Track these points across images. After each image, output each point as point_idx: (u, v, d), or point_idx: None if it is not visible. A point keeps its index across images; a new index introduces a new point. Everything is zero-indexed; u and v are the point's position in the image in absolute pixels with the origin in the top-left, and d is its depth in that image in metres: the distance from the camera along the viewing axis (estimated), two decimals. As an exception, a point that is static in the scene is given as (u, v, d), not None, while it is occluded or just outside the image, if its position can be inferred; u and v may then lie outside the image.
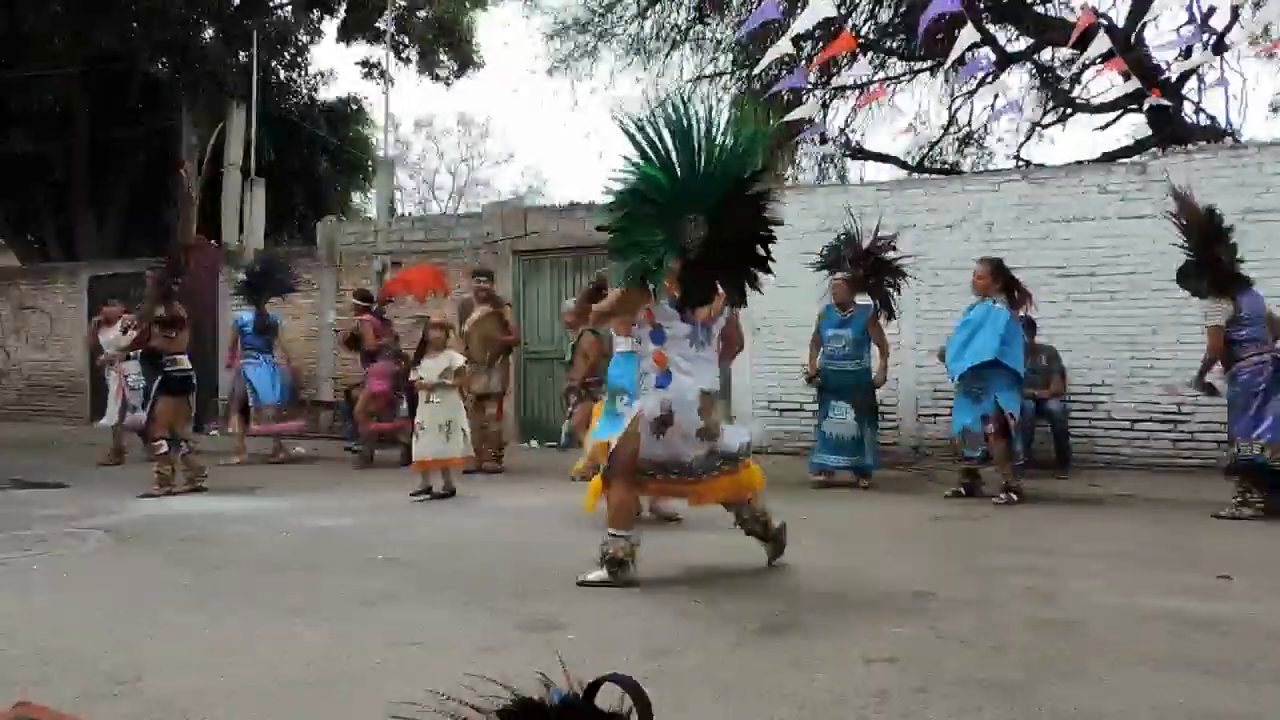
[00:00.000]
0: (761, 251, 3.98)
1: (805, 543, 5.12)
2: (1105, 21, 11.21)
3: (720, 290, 4.07)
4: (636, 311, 4.18)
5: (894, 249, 7.63)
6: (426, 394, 6.79)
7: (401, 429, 8.74)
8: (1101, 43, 8.31)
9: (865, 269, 7.50)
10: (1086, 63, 11.09)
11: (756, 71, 11.52)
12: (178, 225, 12.42)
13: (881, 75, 14.66)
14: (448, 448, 6.72)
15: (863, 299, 7.48)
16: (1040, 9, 12.68)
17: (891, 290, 7.56)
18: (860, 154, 16.17)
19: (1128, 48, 10.35)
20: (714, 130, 3.88)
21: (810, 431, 8.10)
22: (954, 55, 8.38)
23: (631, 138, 3.93)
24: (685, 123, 3.86)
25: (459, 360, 6.97)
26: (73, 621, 3.52)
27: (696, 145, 3.87)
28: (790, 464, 8.01)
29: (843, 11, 13.56)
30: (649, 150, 3.92)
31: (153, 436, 7.10)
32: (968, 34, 8.27)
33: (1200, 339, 6.48)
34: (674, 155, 3.89)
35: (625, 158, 3.98)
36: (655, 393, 4.05)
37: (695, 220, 3.89)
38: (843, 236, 7.75)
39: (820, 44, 11.58)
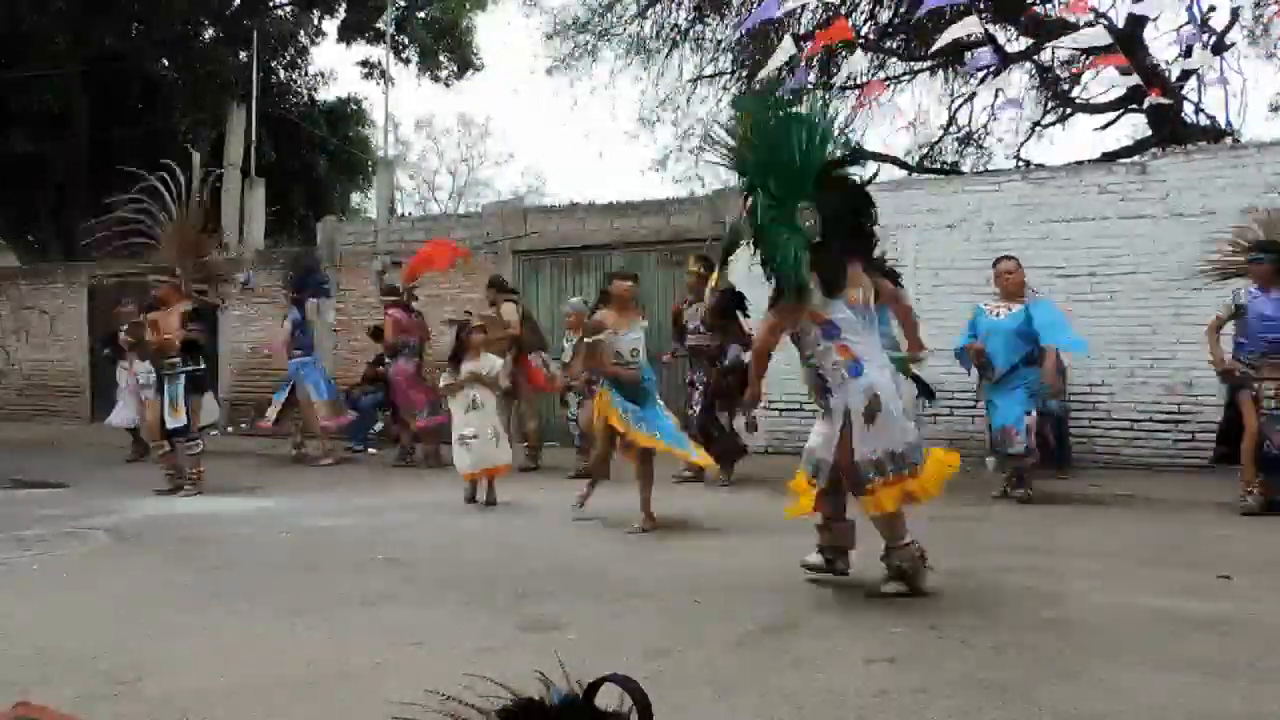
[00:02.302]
0: (866, 223, 4.11)
1: (805, 542, 5.13)
2: (1105, 21, 11.23)
3: (852, 269, 4.03)
4: (800, 319, 4.07)
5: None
6: (469, 399, 6.50)
7: (440, 425, 8.43)
8: (1097, 35, 8.31)
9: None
10: (1080, 51, 11.07)
11: (762, 75, 11.50)
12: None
13: (881, 75, 14.66)
14: (498, 454, 6.52)
15: None
16: (1040, 9, 12.67)
17: None
18: (860, 154, 16.17)
19: (1127, 47, 10.36)
20: (795, 119, 3.98)
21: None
22: (944, 40, 8.35)
23: (736, 151, 4.06)
24: (772, 121, 3.97)
25: (498, 364, 6.80)
26: (73, 621, 3.52)
27: (788, 139, 3.93)
28: (791, 464, 7.99)
29: (844, 10, 13.58)
30: (754, 157, 4.00)
31: (193, 432, 7.16)
32: (968, 24, 8.28)
33: (1198, 337, 6.57)
34: (773, 154, 3.96)
35: (741, 171, 4.10)
36: (853, 383, 3.92)
37: (807, 207, 3.92)
38: None
39: (821, 44, 11.56)
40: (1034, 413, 6.50)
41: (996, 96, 12.66)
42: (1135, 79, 9.14)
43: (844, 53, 10.75)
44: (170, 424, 7.03)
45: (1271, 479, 5.87)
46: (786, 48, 8.81)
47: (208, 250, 7.80)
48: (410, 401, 8.85)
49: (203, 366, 7.28)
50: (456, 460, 6.53)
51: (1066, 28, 8.89)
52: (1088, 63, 10.88)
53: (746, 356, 6.01)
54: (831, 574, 4.19)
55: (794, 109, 4.18)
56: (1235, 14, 11.24)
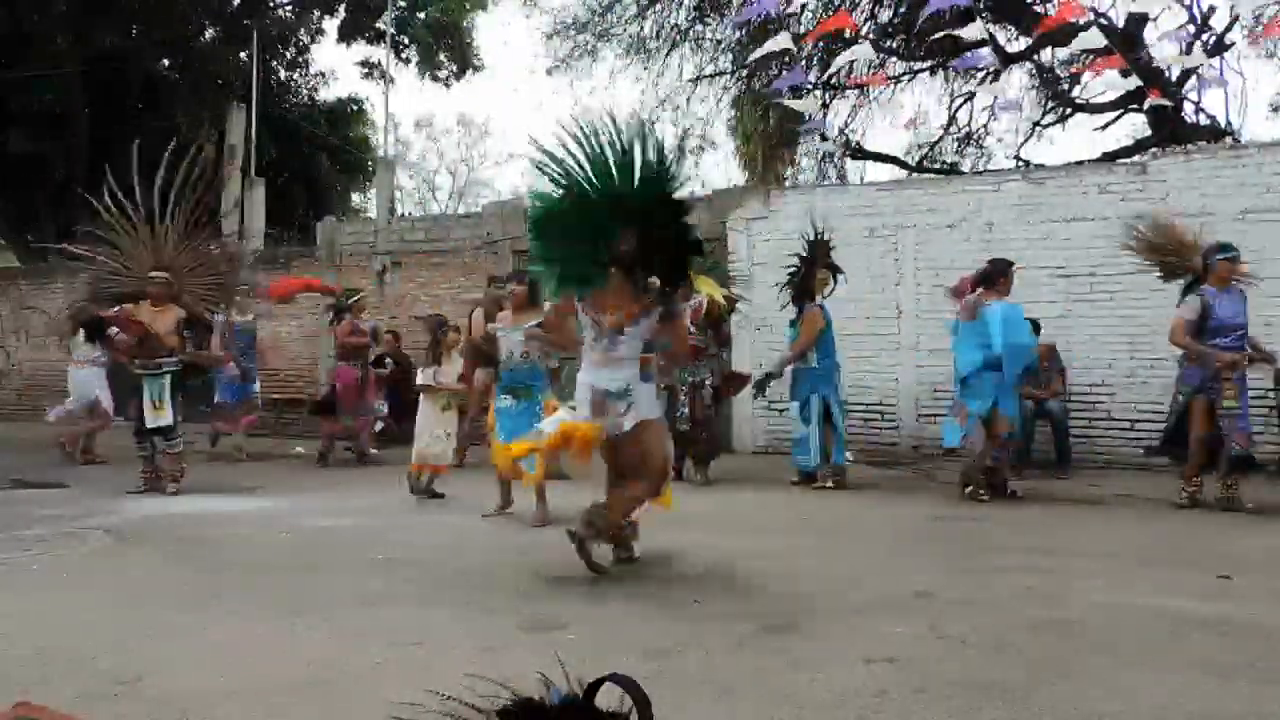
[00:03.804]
0: (688, 247, 4.39)
1: (805, 542, 5.13)
2: (1105, 20, 11.23)
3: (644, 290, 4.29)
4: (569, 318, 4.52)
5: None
6: (444, 399, 6.78)
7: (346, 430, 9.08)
8: (1093, 37, 8.31)
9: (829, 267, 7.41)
10: (1076, 55, 11.08)
11: (753, 59, 11.49)
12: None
13: (881, 73, 14.66)
14: (447, 452, 6.87)
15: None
16: (1040, 9, 12.68)
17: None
18: (860, 154, 16.18)
19: (1128, 46, 10.36)
20: (629, 148, 4.12)
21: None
22: (964, 34, 8.35)
23: (547, 166, 4.20)
24: (598, 147, 4.12)
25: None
26: (73, 621, 3.52)
27: (614, 166, 4.13)
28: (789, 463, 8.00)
29: (843, 10, 13.58)
30: (565, 176, 4.20)
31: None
32: (971, 30, 8.29)
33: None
34: (593, 177, 4.16)
35: (538, 189, 4.34)
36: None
37: (626, 230, 4.17)
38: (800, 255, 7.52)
39: (820, 44, 11.58)
40: (978, 415, 6.50)
41: (996, 98, 12.66)
42: (1136, 79, 9.14)
43: (843, 50, 10.74)
44: (151, 422, 6.96)
45: (1238, 476, 6.07)
46: (783, 40, 8.80)
47: (208, 255, 7.62)
48: (353, 404, 9.00)
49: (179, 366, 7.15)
50: (427, 452, 6.70)
51: (1066, 31, 8.88)
52: (1089, 62, 10.87)
53: None
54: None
55: (638, 134, 4.25)
56: (1235, 18, 11.24)
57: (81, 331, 8.06)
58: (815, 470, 7.22)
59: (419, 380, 7.05)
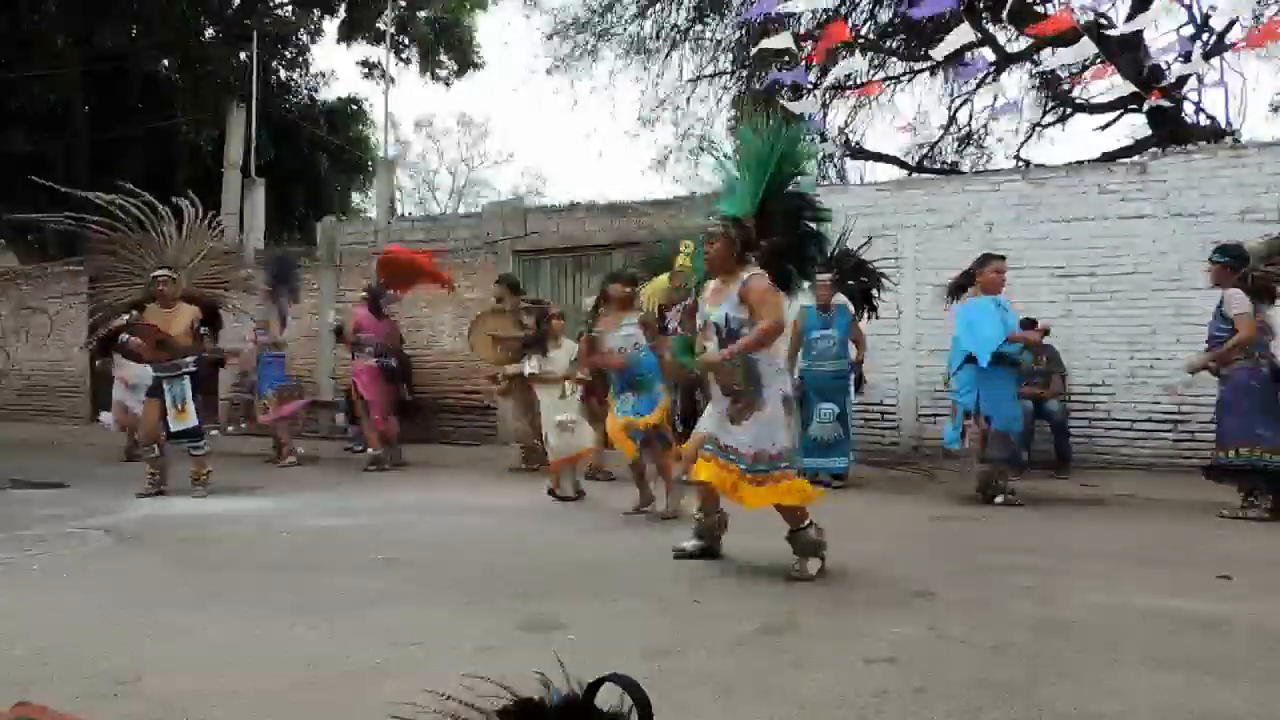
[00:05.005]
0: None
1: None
2: (1105, 21, 11.22)
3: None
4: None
5: (864, 256, 7.71)
6: (562, 387, 6.77)
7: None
8: (1086, 47, 8.30)
9: (843, 271, 7.53)
10: (1072, 64, 11.08)
11: (752, 54, 11.50)
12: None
13: (881, 75, 14.66)
14: (577, 440, 6.63)
15: (837, 299, 7.48)
16: (1040, 9, 12.67)
17: (873, 290, 7.66)
18: (860, 154, 16.19)
19: (1126, 48, 10.36)
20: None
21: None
22: (943, 50, 8.35)
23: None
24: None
25: (574, 349, 7.00)
26: (73, 621, 3.52)
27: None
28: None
29: (843, 10, 13.57)
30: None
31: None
32: (962, 33, 8.28)
33: (1198, 337, 6.55)
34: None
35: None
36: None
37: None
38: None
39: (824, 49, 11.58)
40: (972, 414, 6.50)
41: (995, 99, 12.65)
42: (1136, 81, 9.13)
43: (844, 53, 10.74)
44: (175, 426, 6.86)
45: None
46: (784, 39, 8.80)
47: (207, 248, 7.43)
48: (372, 400, 8.85)
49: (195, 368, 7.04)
50: (557, 445, 6.57)
51: (1066, 34, 8.87)
52: (1088, 62, 10.87)
53: None
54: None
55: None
56: (1233, 22, 11.25)
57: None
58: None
59: (526, 370, 7.02)
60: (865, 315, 7.68)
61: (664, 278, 5.96)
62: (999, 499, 6.40)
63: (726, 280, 4.28)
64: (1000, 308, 6.51)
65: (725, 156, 4.45)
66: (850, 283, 7.58)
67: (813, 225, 4.43)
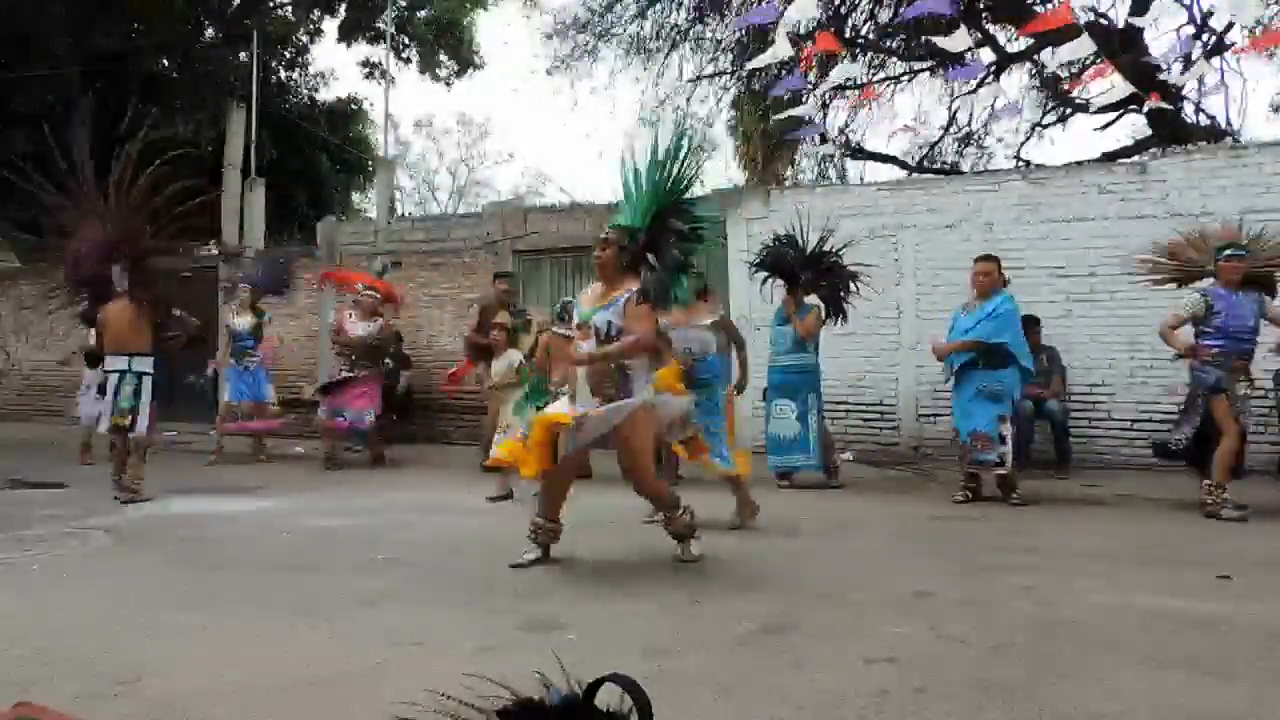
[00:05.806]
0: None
1: (804, 542, 5.14)
2: (1105, 21, 11.23)
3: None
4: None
5: (840, 257, 7.43)
6: (501, 395, 7.08)
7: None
8: (1086, 44, 8.28)
9: (816, 274, 7.29)
10: (1072, 62, 11.08)
11: (752, 67, 11.50)
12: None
13: (881, 75, 14.66)
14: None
15: (810, 299, 7.22)
16: (1039, 8, 12.68)
17: (843, 295, 7.38)
18: (860, 154, 16.20)
19: (1128, 47, 10.36)
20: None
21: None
22: (946, 45, 8.34)
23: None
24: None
25: (518, 358, 7.31)
26: (73, 621, 3.52)
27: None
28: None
29: (842, 11, 13.58)
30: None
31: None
32: (958, 39, 8.29)
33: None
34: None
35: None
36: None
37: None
38: (782, 239, 7.41)
39: (812, 55, 11.58)
40: (1008, 419, 6.43)
41: (995, 100, 12.66)
42: (1136, 82, 9.13)
43: (844, 55, 10.75)
44: (106, 426, 6.88)
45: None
46: (782, 47, 8.80)
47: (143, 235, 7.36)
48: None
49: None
50: (497, 449, 6.59)
51: (1062, 33, 8.88)
52: (1088, 61, 10.86)
53: None
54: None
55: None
56: (1231, 24, 11.24)
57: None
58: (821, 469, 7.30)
59: (487, 383, 7.57)
60: (834, 320, 7.39)
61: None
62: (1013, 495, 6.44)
63: (612, 286, 4.36)
64: (964, 310, 6.71)
65: (625, 166, 4.47)
66: (823, 283, 7.30)
67: (694, 245, 4.48)
